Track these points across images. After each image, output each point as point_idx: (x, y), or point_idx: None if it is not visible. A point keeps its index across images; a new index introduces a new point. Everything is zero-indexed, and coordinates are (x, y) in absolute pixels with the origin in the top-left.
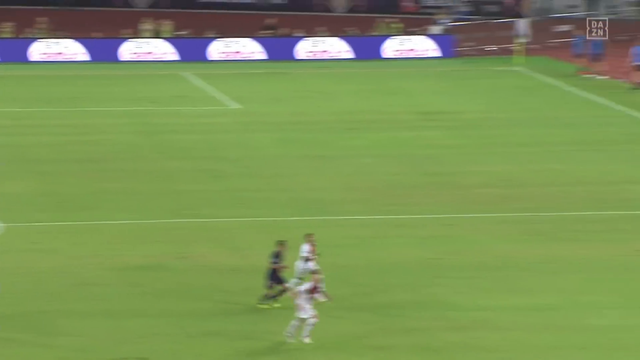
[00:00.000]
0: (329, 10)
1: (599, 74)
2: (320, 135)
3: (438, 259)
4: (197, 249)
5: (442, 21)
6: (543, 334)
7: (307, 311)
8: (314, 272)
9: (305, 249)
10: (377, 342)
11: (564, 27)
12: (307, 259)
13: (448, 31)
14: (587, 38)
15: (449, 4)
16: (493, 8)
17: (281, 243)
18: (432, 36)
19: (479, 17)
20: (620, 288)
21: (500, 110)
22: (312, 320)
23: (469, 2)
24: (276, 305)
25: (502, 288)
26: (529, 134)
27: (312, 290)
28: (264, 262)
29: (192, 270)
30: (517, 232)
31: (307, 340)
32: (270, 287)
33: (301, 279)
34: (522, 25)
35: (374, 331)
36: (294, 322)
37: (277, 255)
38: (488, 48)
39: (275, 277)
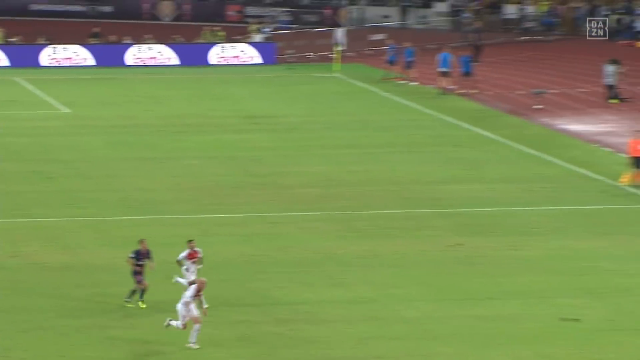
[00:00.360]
0: (156, 19)
1: (411, 80)
2: (149, 138)
3: (261, 256)
4: (30, 247)
5: (264, 30)
6: (360, 325)
7: (193, 312)
8: (192, 282)
9: (183, 254)
10: (203, 335)
11: (378, 36)
12: (182, 265)
13: (270, 39)
14: (398, 46)
15: (271, 14)
16: (312, 18)
17: (141, 241)
18: (255, 44)
19: (299, 26)
20: (431, 281)
21: (320, 114)
22: (197, 325)
23: (289, 12)
24: (130, 305)
25: (322, 282)
26: (347, 136)
27: (197, 295)
28: (95, 260)
29: (25, 268)
30: (336, 229)
31: (193, 345)
32: (140, 283)
33: (189, 284)
34: (340, 34)
35: (201, 324)
36: (192, 331)
37: (137, 253)
38: (308, 55)
39: (137, 274)
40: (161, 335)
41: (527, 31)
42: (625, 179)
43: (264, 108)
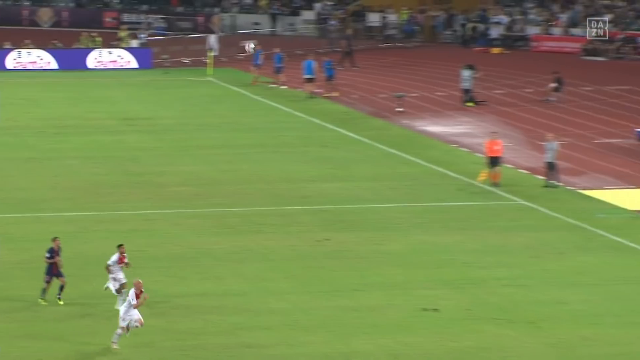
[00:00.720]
0: (35, 24)
1: (280, 84)
2: (29, 139)
3: (138, 251)
4: None
5: (140, 36)
6: (233, 316)
7: (135, 316)
8: (122, 283)
9: (113, 258)
10: (81, 327)
11: (249, 42)
12: (108, 267)
13: (146, 45)
14: (265, 52)
15: (147, 20)
16: (186, 24)
17: (54, 239)
18: (132, 49)
19: (174, 32)
20: (299, 275)
21: (193, 116)
22: (127, 327)
23: (164, 19)
24: (60, 302)
25: (196, 276)
26: (220, 137)
27: (138, 296)
28: None
29: None
30: (210, 225)
31: (115, 345)
32: (48, 282)
33: (121, 286)
34: (213, 40)
35: (78, 318)
36: (131, 326)
37: (51, 251)
38: (182, 60)
39: (51, 271)
40: (42, 328)
41: (389, 38)
42: (482, 177)
43: (140, 110)
